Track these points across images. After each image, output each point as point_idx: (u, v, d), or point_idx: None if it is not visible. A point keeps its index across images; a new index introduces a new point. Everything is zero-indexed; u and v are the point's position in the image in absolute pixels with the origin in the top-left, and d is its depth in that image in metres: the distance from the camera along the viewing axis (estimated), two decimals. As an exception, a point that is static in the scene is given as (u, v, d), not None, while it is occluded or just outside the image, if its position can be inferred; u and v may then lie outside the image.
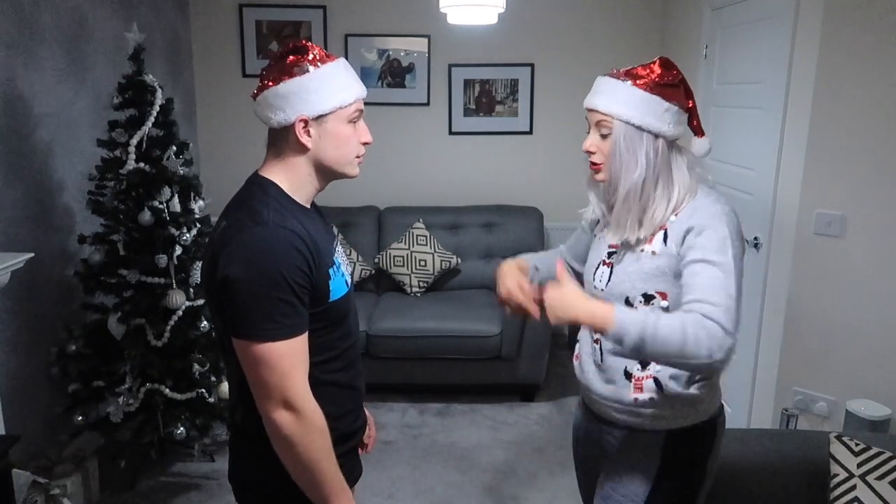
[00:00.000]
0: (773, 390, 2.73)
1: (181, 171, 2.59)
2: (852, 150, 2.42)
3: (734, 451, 1.96)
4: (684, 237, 1.39)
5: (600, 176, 1.47)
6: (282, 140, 1.32)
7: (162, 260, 2.50)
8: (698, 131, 1.50)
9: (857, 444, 1.86)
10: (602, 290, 1.50)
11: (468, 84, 4.27)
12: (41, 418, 2.68)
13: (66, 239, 2.83)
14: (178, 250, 2.57)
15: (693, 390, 1.46)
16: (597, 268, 1.54)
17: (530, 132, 4.34)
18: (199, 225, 2.67)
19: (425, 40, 4.20)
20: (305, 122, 1.28)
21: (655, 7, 4.19)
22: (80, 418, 2.58)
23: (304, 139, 1.29)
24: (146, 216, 2.48)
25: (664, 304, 1.42)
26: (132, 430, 2.64)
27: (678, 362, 1.32)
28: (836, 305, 2.52)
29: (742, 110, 3.04)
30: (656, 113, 1.40)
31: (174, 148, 2.61)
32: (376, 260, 3.91)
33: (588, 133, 1.48)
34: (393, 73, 4.26)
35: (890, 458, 1.80)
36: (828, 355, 2.56)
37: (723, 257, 1.35)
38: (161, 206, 2.53)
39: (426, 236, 3.93)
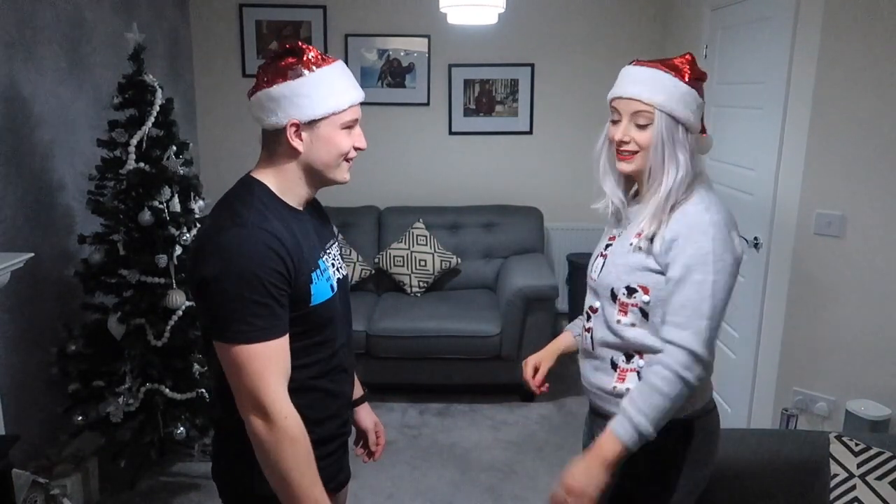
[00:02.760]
0: (773, 390, 2.73)
1: (181, 171, 2.59)
2: (852, 150, 2.42)
3: (734, 451, 1.96)
4: (670, 246, 1.39)
5: (630, 167, 1.46)
6: (274, 142, 1.31)
7: (162, 260, 2.50)
8: (703, 128, 1.50)
9: (857, 444, 1.86)
10: (595, 279, 1.54)
11: (468, 84, 4.28)
12: (41, 418, 2.68)
13: (66, 239, 2.83)
14: (178, 250, 2.57)
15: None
16: (595, 259, 1.58)
17: (530, 132, 4.34)
18: (198, 225, 2.67)
19: (425, 40, 4.20)
20: (297, 126, 1.27)
21: (655, 7, 4.19)
22: (80, 418, 2.58)
23: (295, 143, 1.28)
24: (146, 216, 2.48)
25: (646, 298, 1.42)
26: (132, 430, 2.64)
27: (678, 405, 1.35)
28: (836, 305, 2.51)
29: (742, 110, 3.04)
30: (692, 107, 1.41)
31: (174, 148, 2.61)
32: (376, 260, 3.91)
33: (616, 122, 1.49)
34: (393, 73, 4.26)
35: (890, 458, 1.80)
36: (828, 355, 2.56)
37: (701, 275, 1.35)
38: (161, 206, 2.53)
39: (426, 236, 3.93)
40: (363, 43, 4.22)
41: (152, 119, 2.54)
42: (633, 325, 1.45)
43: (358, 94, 1.33)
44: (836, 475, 1.82)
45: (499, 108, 4.31)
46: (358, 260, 3.86)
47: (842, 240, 2.47)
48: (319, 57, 1.30)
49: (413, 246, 3.89)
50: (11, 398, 2.42)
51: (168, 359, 2.56)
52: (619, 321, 1.47)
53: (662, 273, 1.41)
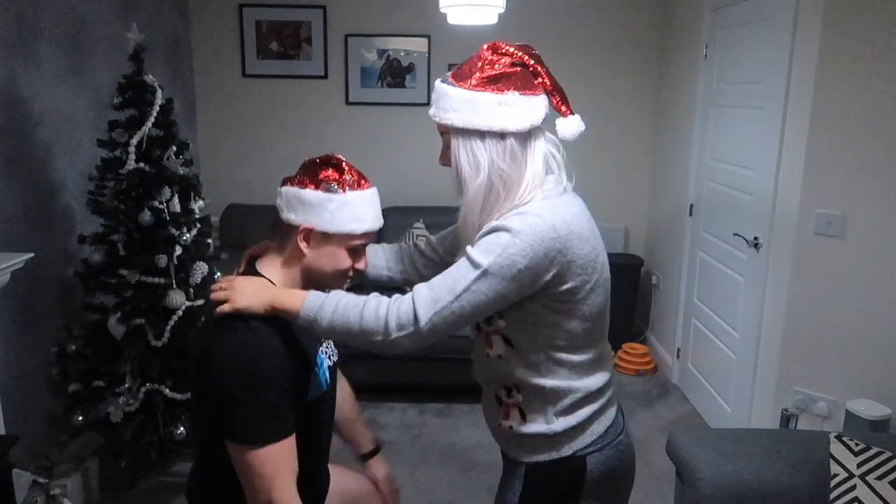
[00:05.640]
0: (773, 390, 2.73)
1: (181, 171, 2.59)
2: (852, 150, 2.42)
3: (734, 451, 1.96)
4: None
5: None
6: (285, 235, 1.36)
7: (162, 260, 2.50)
8: (560, 110, 1.31)
9: (857, 444, 1.86)
10: None
11: (468, 84, 4.27)
12: (41, 418, 2.68)
13: (66, 239, 2.83)
14: (178, 250, 2.57)
15: (554, 426, 1.32)
16: None
17: (530, 132, 4.34)
18: (199, 225, 2.67)
19: (425, 40, 4.20)
20: (308, 231, 1.32)
21: (655, 7, 4.19)
22: (80, 418, 2.57)
23: (301, 245, 1.33)
24: (146, 216, 2.48)
25: (502, 323, 1.30)
26: (132, 430, 2.64)
27: (360, 340, 1.24)
28: (836, 305, 2.51)
29: (742, 110, 3.04)
30: (487, 110, 1.23)
31: (174, 148, 2.61)
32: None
33: None
34: (393, 73, 4.26)
35: (890, 458, 1.80)
36: (828, 355, 2.56)
37: (483, 259, 1.18)
38: (161, 206, 2.53)
39: (426, 236, 3.92)
40: (363, 43, 4.22)
41: (152, 119, 2.54)
42: (499, 356, 1.33)
43: (376, 224, 1.40)
44: (836, 475, 1.82)
45: (499, 108, 4.31)
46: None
47: (842, 240, 2.48)
48: (357, 181, 1.36)
49: (413, 246, 3.89)
50: (11, 398, 2.42)
51: (168, 359, 2.56)
52: (487, 353, 1.36)
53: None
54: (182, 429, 2.58)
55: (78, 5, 2.91)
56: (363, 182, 1.37)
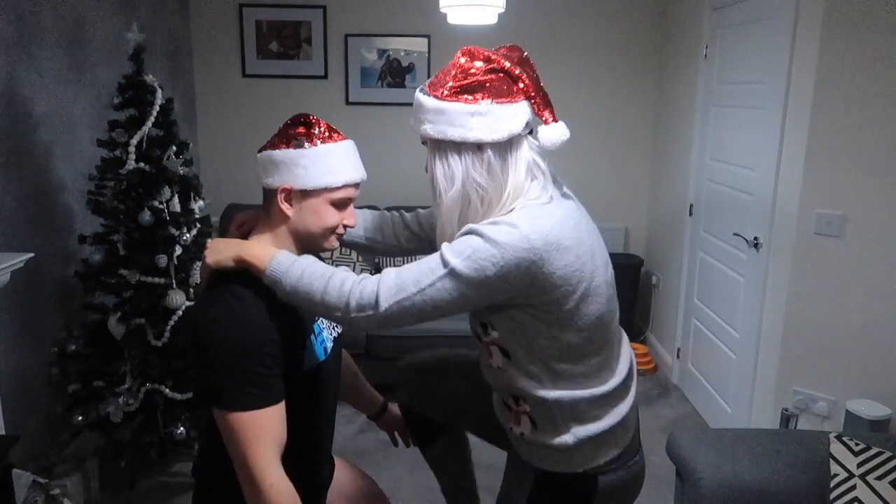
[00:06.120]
0: (773, 390, 2.73)
1: (181, 171, 2.59)
2: (852, 150, 2.42)
3: (734, 451, 1.96)
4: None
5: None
6: (268, 202, 1.36)
7: (162, 260, 2.50)
8: (542, 117, 1.27)
9: (857, 444, 1.86)
10: None
11: (468, 84, 4.27)
12: (41, 418, 2.68)
13: (66, 239, 2.83)
14: (178, 250, 2.57)
15: (566, 438, 1.30)
16: None
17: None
18: (199, 225, 2.67)
19: (425, 40, 4.20)
20: (288, 192, 1.31)
21: (655, 7, 4.19)
22: (80, 418, 2.57)
23: (283, 207, 1.32)
24: (146, 216, 2.48)
25: (495, 334, 1.28)
26: (132, 430, 2.64)
27: (320, 310, 1.23)
28: (836, 305, 2.51)
29: (742, 110, 3.04)
30: (460, 121, 1.19)
31: (174, 148, 2.61)
32: (376, 260, 3.90)
33: None
34: (393, 73, 4.26)
35: (890, 458, 1.80)
36: (828, 355, 2.56)
37: (452, 258, 1.16)
38: (161, 206, 2.53)
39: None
40: (363, 43, 4.22)
41: (152, 119, 2.54)
42: (499, 367, 1.32)
43: (356, 175, 1.36)
44: (836, 475, 1.82)
45: (499, 108, 4.31)
46: (357, 260, 3.86)
47: (842, 240, 2.47)
48: (327, 133, 1.34)
49: (413, 246, 3.88)
50: (11, 398, 2.42)
51: (168, 359, 2.56)
52: (489, 364, 1.35)
53: (495, 305, 1.23)
54: (182, 429, 2.58)
55: (78, 5, 2.91)
56: (335, 135, 1.35)
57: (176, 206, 2.60)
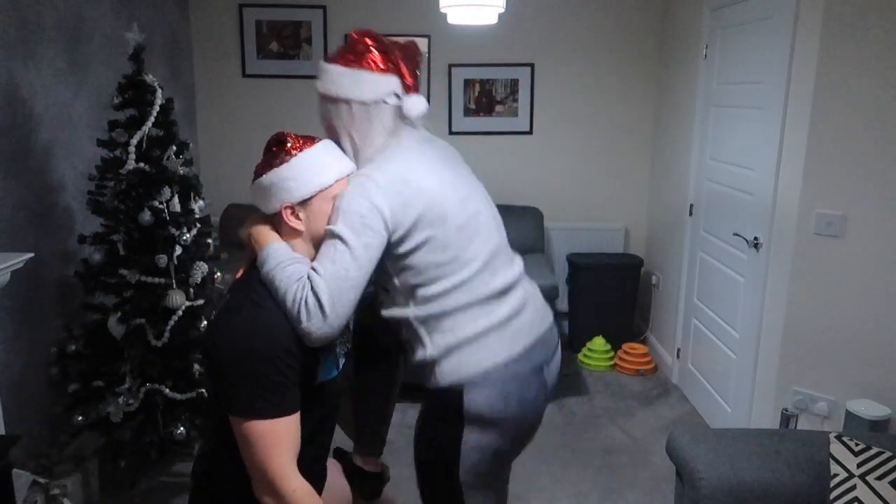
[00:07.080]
0: (773, 390, 2.73)
1: (181, 171, 2.59)
2: (852, 150, 2.42)
3: (734, 451, 1.96)
4: None
5: None
6: (278, 223, 1.40)
7: (162, 260, 2.50)
8: (408, 89, 1.52)
9: (857, 444, 1.86)
10: None
11: (468, 84, 4.28)
12: (41, 418, 2.68)
13: (66, 239, 2.83)
14: (178, 250, 2.57)
15: (431, 351, 1.48)
16: None
17: (530, 132, 4.34)
18: (199, 225, 2.67)
19: (425, 40, 4.20)
20: (290, 208, 1.37)
21: (655, 7, 4.19)
22: (80, 418, 2.57)
23: (293, 223, 1.37)
24: (146, 216, 2.48)
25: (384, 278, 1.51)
26: (132, 430, 2.64)
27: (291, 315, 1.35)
28: (836, 305, 2.52)
29: (742, 110, 3.04)
30: (336, 80, 1.47)
31: (174, 148, 2.61)
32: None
33: None
34: (393, 73, 4.26)
35: (890, 458, 1.80)
36: (828, 355, 2.56)
37: (340, 229, 1.36)
38: (161, 206, 2.53)
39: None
40: (363, 43, 4.21)
41: (152, 119, 2.54)
42: (383, 303, 1.55)
43: (344, 167, 1.42)
44: (836, 475, 1.82)
45: (499, 108, 4.31)
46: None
47: (842, 240, 2.48)
48: (301, 142, 1.39)
49: (413, 246, 3.88)
50: (11, 398, 2.42)
51: (168, 359, 2.56)
52: (381, 304, 1.57)
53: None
54: (182, 429, 2.58)
55: (78, 5, 2.91)
56: (309, 141, 1.41)
57: (176, 206, 2.59)
